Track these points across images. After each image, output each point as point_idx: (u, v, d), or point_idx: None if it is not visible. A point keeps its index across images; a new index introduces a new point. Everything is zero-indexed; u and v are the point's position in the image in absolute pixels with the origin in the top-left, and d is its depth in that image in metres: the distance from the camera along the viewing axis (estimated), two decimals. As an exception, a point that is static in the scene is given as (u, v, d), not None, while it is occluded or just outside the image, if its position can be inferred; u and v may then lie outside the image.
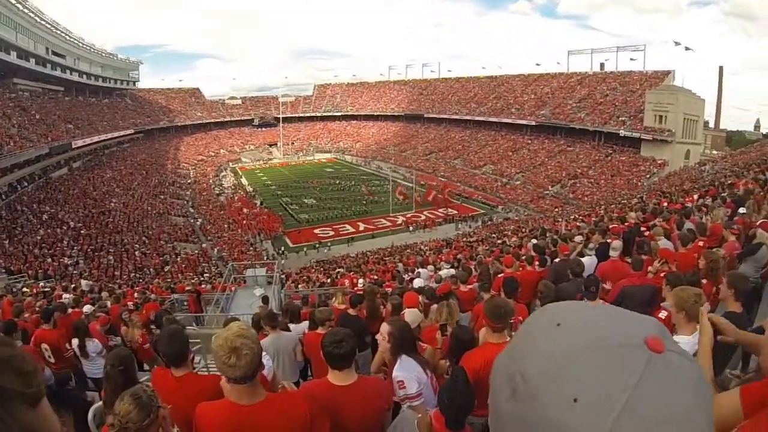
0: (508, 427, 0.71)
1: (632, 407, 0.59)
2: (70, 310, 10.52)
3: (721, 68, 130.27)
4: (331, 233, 47.18)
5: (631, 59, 76.50)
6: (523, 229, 29.53)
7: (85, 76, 79.73)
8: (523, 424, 0.67)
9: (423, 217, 51.40)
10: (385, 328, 4.03)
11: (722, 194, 12.58)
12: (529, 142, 74.91)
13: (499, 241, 23.83)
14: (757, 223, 6.92)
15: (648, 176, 53.83)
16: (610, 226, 12.42)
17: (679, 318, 3.74)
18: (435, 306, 8.12)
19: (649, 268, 6.65)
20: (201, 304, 16.10)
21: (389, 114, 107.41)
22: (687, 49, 68.38)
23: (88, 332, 7.65)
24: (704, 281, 5.32)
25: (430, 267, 17.29)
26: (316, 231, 47.65)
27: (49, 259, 31.01)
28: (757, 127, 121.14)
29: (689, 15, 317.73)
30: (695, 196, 14.94)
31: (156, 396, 2.77)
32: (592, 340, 0.66)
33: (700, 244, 7.31)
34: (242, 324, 2.65)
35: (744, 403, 1.96)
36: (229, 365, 2.40)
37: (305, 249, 42.62)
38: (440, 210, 53.47)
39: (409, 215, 51.89)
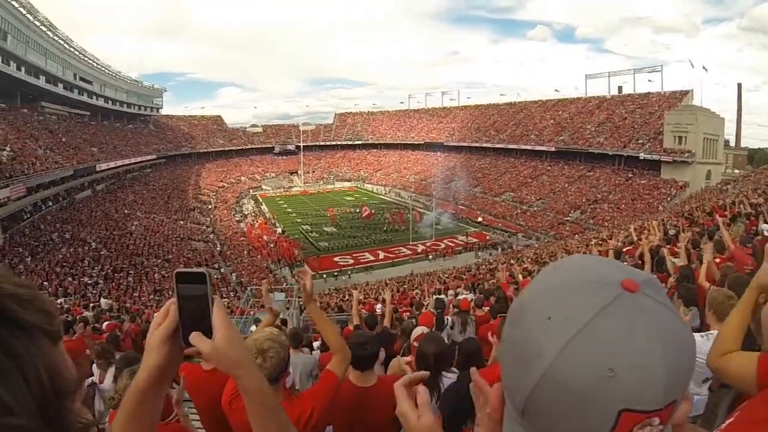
0: (504, 352, 0.81)
1: (589, 331, 0.67)
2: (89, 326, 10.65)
3: (739, 85, 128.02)
4: (351, 261, 46.80)
5: (649, 80, 76.42)
6: (543, 255, 29.29)
7: (110, 102, 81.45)
8: (512, 345, 0.78)
9: (443, 246, 51.27)
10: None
11: (744, 213, 12.36)
12: (549, 168, 74.59)
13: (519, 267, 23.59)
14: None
15: (669, 199, 53.22)
16: (624, 249, 12.29)
17: (710, 316, 3.94)
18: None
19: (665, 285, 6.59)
20: None
21: (409, 142, 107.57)
22: (703, 68, 67.84)
23: (119, 344, 7.70)
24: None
25: (451, 292, 17.19)
26: (336, 259, 47.34)
27: (70, 278, 31.27)
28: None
29: (705, 33, 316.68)
30: (717, 217, 14.71)
31: None
32: (578, 277, 0.76)
33: (717, 260, 7.18)
34: (274, 330, 2.74)
35: (761, 372, 1.92)
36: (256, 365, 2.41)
37: (324, 276, 42.24)
38: (460, 238, 53.73)
39: (428, 243, 51.64)
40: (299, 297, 20.11)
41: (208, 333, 1.15)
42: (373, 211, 63.44)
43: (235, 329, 1.19)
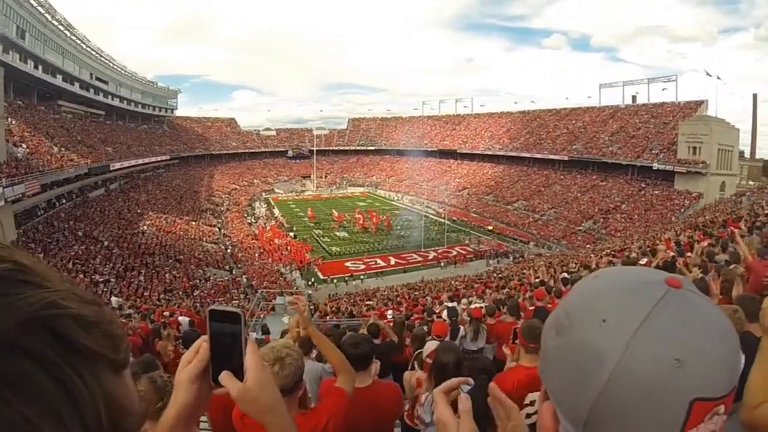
0: (552, 362, 0.81)
1: (648, 326, 0.69)
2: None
3: (755, 96, 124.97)
4: (362, 266, 46.69)
5: (663, 89, 75.92)
6: (554, 264, 29.09)
7: (125, 102, 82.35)
8: (563, 354, 0.78)
9: (454, 253, 51.15)
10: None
11: (758, 224, 12.22)
12: (562, 177, 74.29)
13: (535, 277, 23.43)
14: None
15: (682, 210, 52.71)
16: (641, 261, 12.16)
17: None
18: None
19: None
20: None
21: (422, 149, 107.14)
22: (718, 78, 67.26)
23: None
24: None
25: (464, 301, 17.11)
26: (348, 264, 47.27)
27: (81, 275, 31.19)
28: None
29: (722, 43, 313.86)
30: (730, 229, 14.52)
31: (171, 383, 2.74)
32: (623, 280, 0.78)
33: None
34: (289, 340, 2.92)
35: None
36: (272, 373, 2.31)
37: (335, 281, 42.24)
38: (471, 246, 53.61)
39: (440, 251, 51.64)
40: (309, 302, 20.05)
41: (238, 374, 1.10)
42: (345, 216, 65.59)
43: (267, 372, 1.14)
